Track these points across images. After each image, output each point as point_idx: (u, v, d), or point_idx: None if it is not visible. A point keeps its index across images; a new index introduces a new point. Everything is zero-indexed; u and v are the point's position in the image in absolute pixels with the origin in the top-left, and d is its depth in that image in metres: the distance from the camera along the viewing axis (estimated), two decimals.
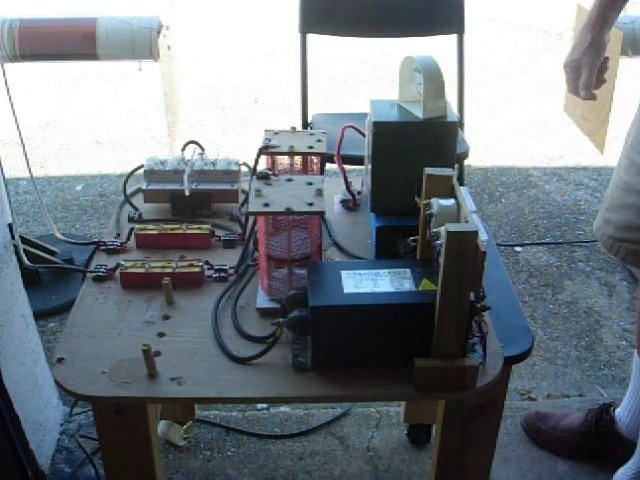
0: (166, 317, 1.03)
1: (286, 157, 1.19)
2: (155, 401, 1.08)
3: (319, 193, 0.98)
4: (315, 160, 1.19)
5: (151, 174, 1.28)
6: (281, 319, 0.93)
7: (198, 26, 4.71)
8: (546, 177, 3.00)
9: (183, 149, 1.31)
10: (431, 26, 2.14)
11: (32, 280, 2.04)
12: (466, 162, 2.12)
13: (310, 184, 1.01)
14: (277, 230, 0.99)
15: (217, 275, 1.10)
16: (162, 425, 1.59)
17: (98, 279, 1.10)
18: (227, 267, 1.11)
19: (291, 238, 0.99)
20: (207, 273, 1.11)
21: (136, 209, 1.28)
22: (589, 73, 1.23)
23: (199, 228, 1.19)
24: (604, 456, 1.57)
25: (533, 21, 5.03)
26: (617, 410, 1.57)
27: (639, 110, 1.29)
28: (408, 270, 0.93)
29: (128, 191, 1.33)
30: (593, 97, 1.26)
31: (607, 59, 1.26)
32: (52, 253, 2.22)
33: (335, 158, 1.27)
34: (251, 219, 1.11)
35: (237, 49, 4.53)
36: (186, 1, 5.10)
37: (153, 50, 1.94)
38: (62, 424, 1.64)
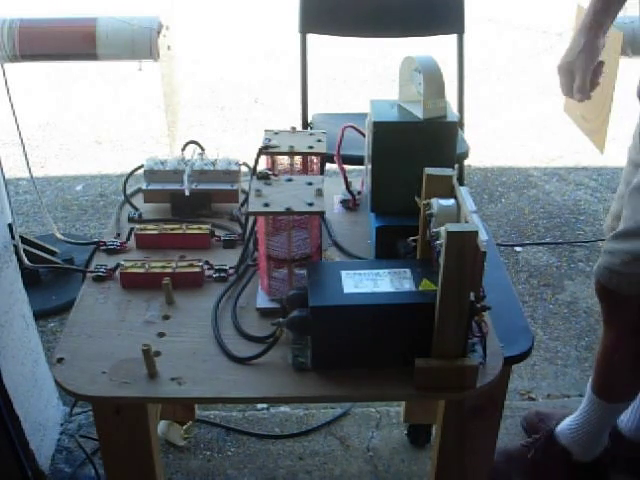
0: (166, 317, 1.03)
1: (286, 157, 1.19)
2: (155, 401, 1.08)
3: (319, 193, 0.98)
4: (315, 160, 1.19)
5: (151, 174, 1.28)
6: (281, 319, 0.93)
7: (198, 26, 4.70)
8: (546, 177, 3.00)
9: (183, 149, 1.31)
10: (431, 26, 2.13)
11: (32, 280, 2.04)
12: (466, 162, 2.12)
13: (310, 184, 1.01)
14: (277, 230, 0.99)
15: (217, 275, 1.10)
16: (162, 425, 1.59)
17: (98, 279, 1.10)
18: (227, 267, 1.11)
19: (291, 238, 0.99)
20: (207, 273, 1.11)
21: (136, 209, 1.28)
22: (582, 76, 1.25)
23: (199, 228, 1.19)
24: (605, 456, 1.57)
25: (533, 21, 5.03)
26: None
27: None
28: (408, 270, 0.93)
29: (128, 191, 1.33)
30: (588, 98, 1.26)
31: (602, 63, 1.27)
32: (52, 253, 2.22)
33: (335, 158, 1.27)
34: (251, 219, 1.10)
35: (237, 49, 4.53)
36: (186, 1, 5.10)
37: (153, 50, 1.94)
38: (62, 424, 1.64)
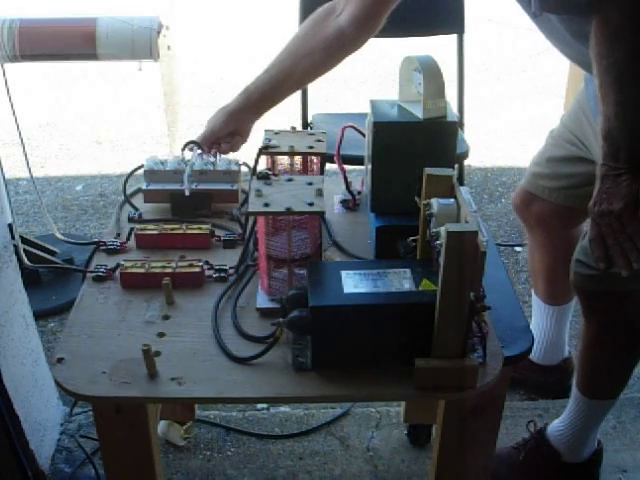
0: (166, 317, 1.03)
1: (286, 157, 1.19)
2: (155, 401, 1.08)
3: (319, 193, 0.98)
4: (315, 160, 1.19)
5: (151, 174, 1.28)
6: (281, 319, 0.93)
7: (198, 26, 4.70)
8: None
9: (183, 149, 1.31)
10: (431, 26, 2.13)
11: (32, 280, 2.04)
12: (466, 162, 2.12)
13: (310, 184, 1.01)
14: (277, 230, 0.99)
15: (217, 275, 1.10)
16: (162, 425, 1.59)
17: (98, 279, 1.10)
18: (227, 267, 1.11)
19: (291, 238, 0.99)
20: (207, 273, 1.11)
21: (136, 209, 1.28)
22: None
23: (199, 228, 1.19)
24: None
25: None
26: None
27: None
28: (408, 270, 0.93)
29: (128, 191, 1.33)
30: None
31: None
32: (52, 253, 2.22)
33: (335, 158, 1.27)
34: (251, 219, 1.10)
35: (237, 49, 4.53)
36: (186, 1, 5.10)
37: (153, 50, 1.94)
38: (62, 424, 1.64)
